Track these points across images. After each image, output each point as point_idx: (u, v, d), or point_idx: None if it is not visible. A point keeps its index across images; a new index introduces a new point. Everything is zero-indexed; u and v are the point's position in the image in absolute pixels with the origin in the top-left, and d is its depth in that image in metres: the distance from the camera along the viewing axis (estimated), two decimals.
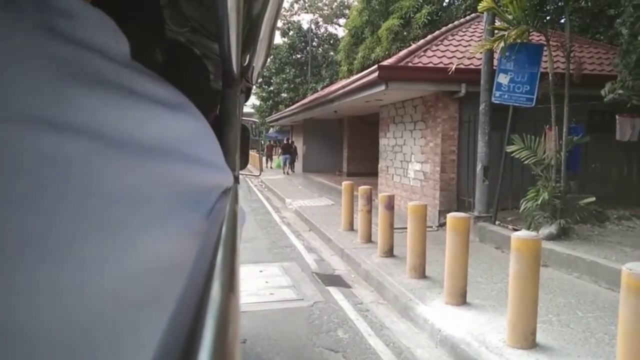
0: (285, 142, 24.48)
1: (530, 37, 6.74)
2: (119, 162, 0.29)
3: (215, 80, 2.24)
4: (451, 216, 4.40)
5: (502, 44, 6.10)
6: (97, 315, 0.25)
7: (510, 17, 6.13)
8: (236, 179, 1.34)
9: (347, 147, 17.41)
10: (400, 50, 10.94)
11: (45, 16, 0.28)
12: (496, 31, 6.52)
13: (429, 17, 15.00)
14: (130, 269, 0.28)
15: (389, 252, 5.97)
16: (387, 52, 15.37)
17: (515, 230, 5.88)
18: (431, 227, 7.43)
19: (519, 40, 6.27)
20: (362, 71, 10.91)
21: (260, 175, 18.02)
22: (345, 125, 17.31)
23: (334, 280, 5.49)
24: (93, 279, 0.24)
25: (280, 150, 23.90)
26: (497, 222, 7.02)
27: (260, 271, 5.68)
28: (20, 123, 0.23)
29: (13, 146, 0.22)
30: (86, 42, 0.31)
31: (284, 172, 21.27)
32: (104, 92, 0.30)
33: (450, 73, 6.89)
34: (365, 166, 16.76)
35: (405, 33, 15.51)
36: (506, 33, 6.09)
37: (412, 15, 15.38)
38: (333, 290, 5.07)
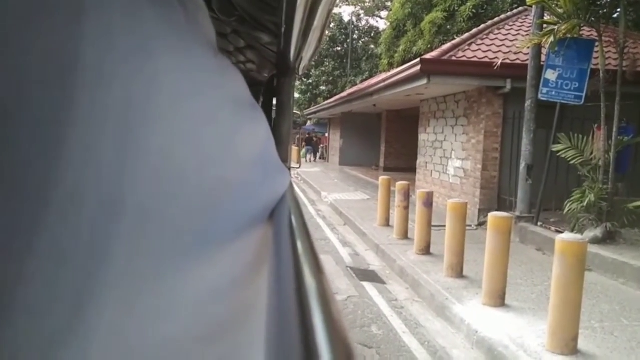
0: (307, 135, 28.66)
1: (581, 32, 6.47)
2: (219, 176, 0.29)
3: (259, 72, 2.25)
4: (493, 215, 4.29)
5: (551, 39, 5.86)
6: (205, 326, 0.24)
7: (560, 10, 5.89)
8: (289, 170, 1.34)
9: (384, 141, 17.24)
10: (443, 44, 10.74)
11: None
12: (545, 25, 6.28)
13: (474, 10, 14.63)
14: (226, 274, 0.28)
15: (426, 250, 5.88)
16: (429, 46, 15.11)
17: (559, 232, 5.70)
18: (470, 225, 7.28)
19: (569, 35, 6.03)
20: (403, 65, 10.78)
21: (300, 167, 18.22)
22: (384, 120, 17.15)
23: (369, 275, 5.46)
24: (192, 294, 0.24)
25: (304, 143, 26.68)
26: (539, 223, 6.81)
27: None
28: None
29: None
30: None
31: (306, 161, 23.79)
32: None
33: (495, 68, 6.71)
34: (403, 161, 16.57)
35: (449, 26, 15.20)
36: (556, 27, 5.85)
37: (456, 8, 15.04)
38: (367, 286, 5.04)
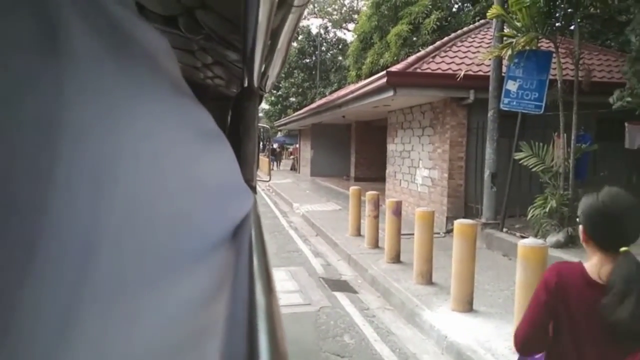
0: (272, 147, 29.63)
1: (539, 44, 6.74)
2: (185, 201, 0.31)
3: (227, 87, 2.30)
4: (458, 223, 4.41)
5: (510, 52, 6.11)
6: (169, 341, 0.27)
7: (519, 24, 6.15)
8: (254, 189, 1.33)
9: (354, 152, 17.42)
10: (409, 56, 10.95)
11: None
12: (505, 38, 6.53)
13: (438, 23, 15.01)
14: (185, 299, 0.30)
15: (396, 258, 5.98)
16: (395, 58, 15.38)
17: (523, 237, 5.87)
18: (438, 233, 7.43)
19: (527, 48, 6.28)
20: (370, 76, 10.95)
21: (270, 180, 18.15)
22: (353, 131, 17.34)
23: (341, 285, 5.51)
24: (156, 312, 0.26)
25: (270, 153, 27.85)
26: (504, 230, 7.00)
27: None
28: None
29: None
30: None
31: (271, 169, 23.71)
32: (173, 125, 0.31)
33: (458, 79, 6.92)
34: (373, 171, 16.75)
35: (414, 39, 15.54)
36: (514, 40, 6.10)
37: (421, 21, 15.39)
38: (340, 296, 5.09)
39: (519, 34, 6.12)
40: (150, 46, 0.31)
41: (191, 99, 0.39)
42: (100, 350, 0.21)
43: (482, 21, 10.78)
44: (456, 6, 16.80)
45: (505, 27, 7.00)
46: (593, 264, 1.52)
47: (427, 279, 5.10)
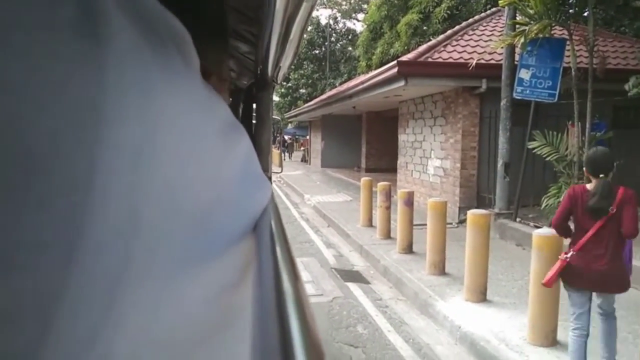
0: (283, 138, 31.03)
1: (552, 32, 6.64)
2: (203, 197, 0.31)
3: (239, 79, 2.30)
4: (471, 213, 4.39)
5: (522, 39, 6.01)
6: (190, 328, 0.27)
7: (531, 11, 6.05)
8: (270, 179, 1.35)
9: (365, 142, 17.37)
10: (419, 46, 10.88)
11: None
12: (517, 26, 6.44)
13: (448, 12, 14.86)
14: (208, 291, 0.30)
15: (408, 249, 5.97)
16: (406, 48, 15.28)
17: (537, 227, 5.84)
18: (451, 223, 7.40)
19: (540, 35, 6.19)
20: (381, 66, 10.89)
21: (282, 171, 18.20)
22: (364, 121, 17.28)
23: (353, 276, 5.52)
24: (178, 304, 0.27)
25: (281, 145, 27.71)
26: (518, 219, 6.96)
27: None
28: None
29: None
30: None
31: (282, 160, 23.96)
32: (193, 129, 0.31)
33: (470, 69, 6.85)
34: (384, 162, 16.71)
35: (424, 28, 15.42)
36: (527, 28, 6.01)
37: (431, 10, 15.26)
38: (352, 286, 5.10)
39: (532, 22, 6.02)
40: (177, 36, 0.32)
41: (212, 90, 0.40)
42: (141, 334, 0.21)
43: (493, 9, 10.63)
44: None
45: (517, 14, 6.91)
46: (589, 184, 3.06)
47: (440, 269, 5.09)
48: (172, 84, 0.26)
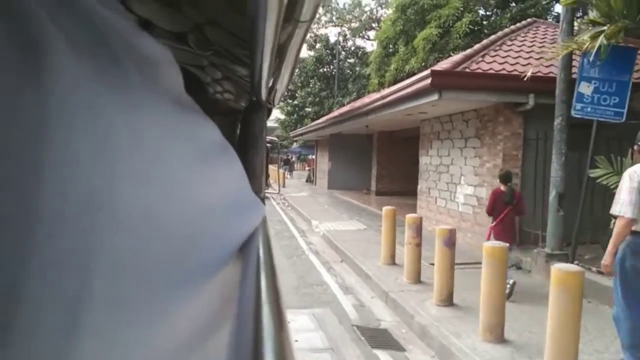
0: (286, 157, 33.17)
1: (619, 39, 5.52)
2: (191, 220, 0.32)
3: (236, 101, 2.32)
4: (557, 269, 3.20)
5: (598, 42, 4.82)
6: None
7: (606, 9, 4.88)
8: (262, 201, 1.35)
9: (376, 163, 16.23)
10: (438, 61, 9.83)
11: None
12: (590, 27, 5.26)
13: (470, 27, 13.85)
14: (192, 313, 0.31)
15: (448, 300, 4.76)
16: (423, 64, 14.25)
17: (600, 272, 4.72)
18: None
19: (613, 41, 5.05)
20: (394, 84, 9.82)
21: (279, 191, 17.15)
22: (375, 141, 16.15)
23: (381, 337, 4.30)
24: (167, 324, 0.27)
25: (282, 163, 28.58)
26: (575, 262, 5.74)
27: (288, 322, 4.52)
28: None
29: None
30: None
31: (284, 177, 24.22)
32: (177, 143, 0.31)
33: (525, 79, 5.71)
34: (396, 185, 15.57)
35: (443, 43, 14.39)
36: (606, 28, 4.83)
37: (451, 25, 14.27)
38: (382, 356, 3.88)
39: (610, 23, 4.85)
40: (151, 57, 0.32)
41: (195, 111, 0.39)
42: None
43: (529, 20, 9.62)
44: (483, 11, 15.60)
45: (575, 22, 5.83)
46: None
47: (498, 334, 3.88)
48: (139, 107, 0.26)
